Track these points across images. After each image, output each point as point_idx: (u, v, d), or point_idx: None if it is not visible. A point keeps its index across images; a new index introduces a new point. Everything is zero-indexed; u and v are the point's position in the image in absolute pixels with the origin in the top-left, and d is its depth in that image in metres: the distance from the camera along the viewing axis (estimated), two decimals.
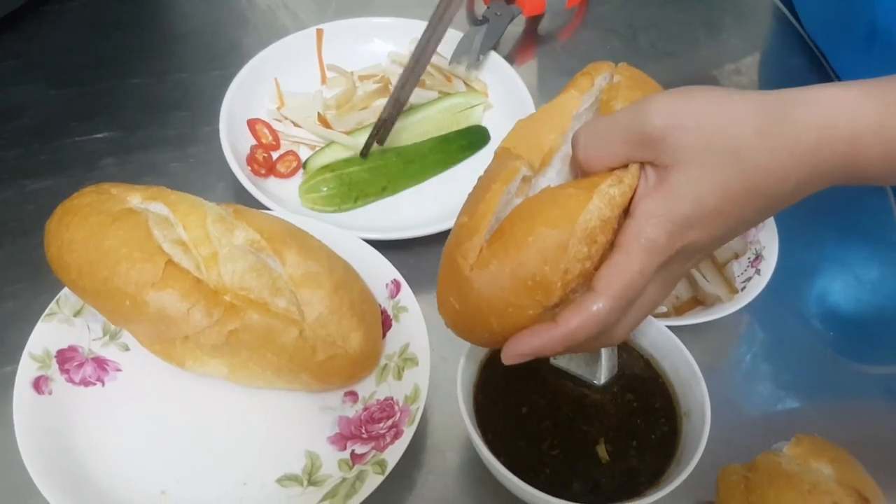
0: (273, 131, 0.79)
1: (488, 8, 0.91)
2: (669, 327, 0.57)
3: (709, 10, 1.02)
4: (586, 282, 0.45)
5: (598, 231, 0.44)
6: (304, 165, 0.77)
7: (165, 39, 0.94)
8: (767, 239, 0.69)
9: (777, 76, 0.95)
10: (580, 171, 0.48)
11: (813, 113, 0.43)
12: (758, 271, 0.67)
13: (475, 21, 0.91)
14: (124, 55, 0.90)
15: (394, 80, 0.84)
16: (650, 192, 0.45)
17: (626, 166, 0.46)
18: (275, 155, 0.78)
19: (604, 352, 0.56)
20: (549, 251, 0.44)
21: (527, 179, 0.49)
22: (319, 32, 0.86)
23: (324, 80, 0.85)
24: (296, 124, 0.81)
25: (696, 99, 0.44)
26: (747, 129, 0.43)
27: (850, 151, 0.43)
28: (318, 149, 0.79)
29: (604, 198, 0.45)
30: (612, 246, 0.45)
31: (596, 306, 0.44)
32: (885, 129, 0.43)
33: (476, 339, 0.50)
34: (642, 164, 0.45)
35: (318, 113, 0.81)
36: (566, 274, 0.44)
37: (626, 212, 0.46)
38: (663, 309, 0.66)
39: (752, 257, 0.69)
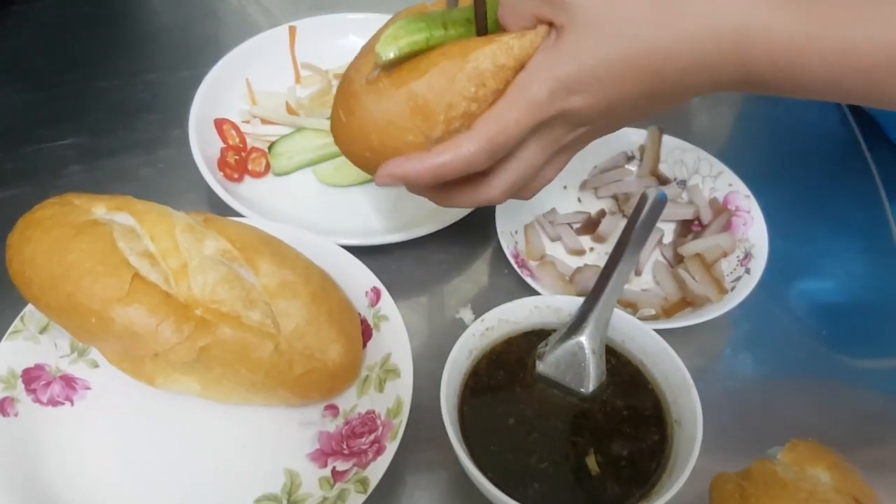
0: (240, 132, 0.77)
1: None
2: (658, 331, 0.55)
3: None
4: (469, 126, 0.48)
5: (489, 76, 0.47)
6: (270, 149, 0.76)
7: (134, 39, 0.91)
8: (757, 236, 0.67)
9: None
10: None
11: None
12: (747, 270, 0.65)
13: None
14: (91, 56, 0.87)
15: None
16: (543, 48, 0.47)
17: (535, 26, 0.48)
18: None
19: (591, 360, 0.54)
20: (435, 78, 0.47)
21: None
22: (292, 30, 0.84)
23: (298, 78, 0.83)
24: (264, 121, 0.78)
25: None
26: (641, 2, 0.45)
27: (737, 48, 0.44)
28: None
29: (502, 46, 0.47)
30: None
31: (468, 143, 0.47)
32: (773, 31, 0.44)
33: (357, 154, 0.51)
34: (551, 27, 0.47)
35: (287, 102, 0.79)
36: (449, 108, 0.47)
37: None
38: (651, 311, 0.65)
39: (742, 255, 0.67)
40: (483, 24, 0.50)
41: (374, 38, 0.50)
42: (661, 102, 0.48)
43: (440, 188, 0.54)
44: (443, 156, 0.48)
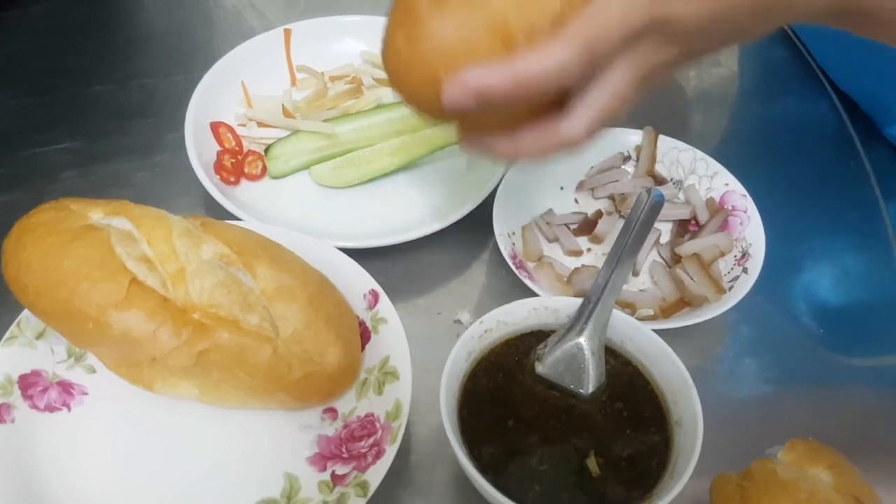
0: (236, 135, 0.76)
1: None
2: (656, 331, 0.55)
3: None
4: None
5: None
6: (267, 152, 0.75)
7: (128, 43, 0.91)
8: (754, 236, 0.67)
9: (757, 67, 0.93)
10: None
11: None
12: (745, 270, 0.65)
13: None
14: (86, 61, 0.87)
15: (366, 80, 0.82)
16: None
17: None
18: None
19: (590, 361, 0.54)
20: None
21: None
22: (287, 32, 0.83)
23: (293, 81, 0.83)
24: (261, 124, 0.78)
25: None
26: None
27: None
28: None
29: None
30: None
31: (560, 48, 0.40)
32: None
33: (416, 90, 0.44)
34: None
35: (283, 105, 0.78)
36: (531, 31, 0.40)
37: None
38: (649, 312, 0.65)
39: (739, 255, 0.67)
40: None
41: None
42: (761, 25, 0.43)
43: (507, 130, 0.46)
44: (531, 61, 0.40)
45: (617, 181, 0.74)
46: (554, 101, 0.45)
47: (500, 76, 0.41)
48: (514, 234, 0.69)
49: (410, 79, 0.43)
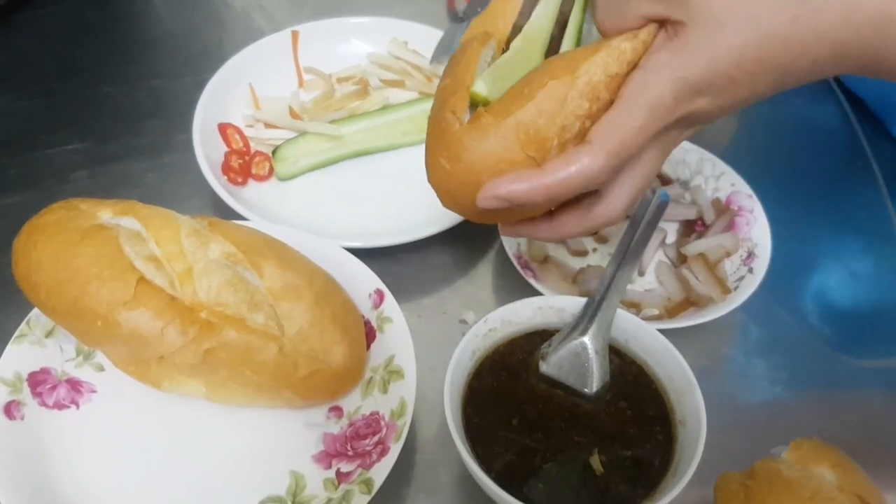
0: (243, 136, 0.77)
1: (469, 5, 0.89)
2: (661, 331, 0.55)
3: None
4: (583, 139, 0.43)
5: (603, 87, 0.42)
6: (274, 153, 0.76)
7: (138, 45, 0.92)
8: (760, 236, 0.67)
9: None
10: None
11: None
12: (750, 270, 0.65)
13: (456, 18, 0.89)
14: (95, 62, 0.88)
15: (373, 82, 0.83)
16: (664, 45, 0.42)
17: (644, 26, 0.43)
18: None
19: (594, 360, 0.54)
20: (545, 102, 0.42)
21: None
22: (295, 34, 0.84)
23: (301, 82, 0.83)
24: (268, 126, 0.79)
25: None
26: None
27: (874, 38, 0.41)
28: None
29: (612, 52, 0.42)
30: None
31: (588, 158, 0.42)
32: None
33: (465, 201, 0.46)
34: (661, 24, 0.43)
35: (290, 107, 0.79)
36: (563, 131, 0.42)
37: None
38: (655, 311, 0.65)
39: (745, 255, 0.67)
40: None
41: (450, 75, 0.45)
42: (784, 88, 0.44)
43: (549, 218, 0.49)
44: (558, 172, 0.42)
45: None
46: None
47: (529, 185, 0.43)
48: None
49: (459, 192, 0.46)
